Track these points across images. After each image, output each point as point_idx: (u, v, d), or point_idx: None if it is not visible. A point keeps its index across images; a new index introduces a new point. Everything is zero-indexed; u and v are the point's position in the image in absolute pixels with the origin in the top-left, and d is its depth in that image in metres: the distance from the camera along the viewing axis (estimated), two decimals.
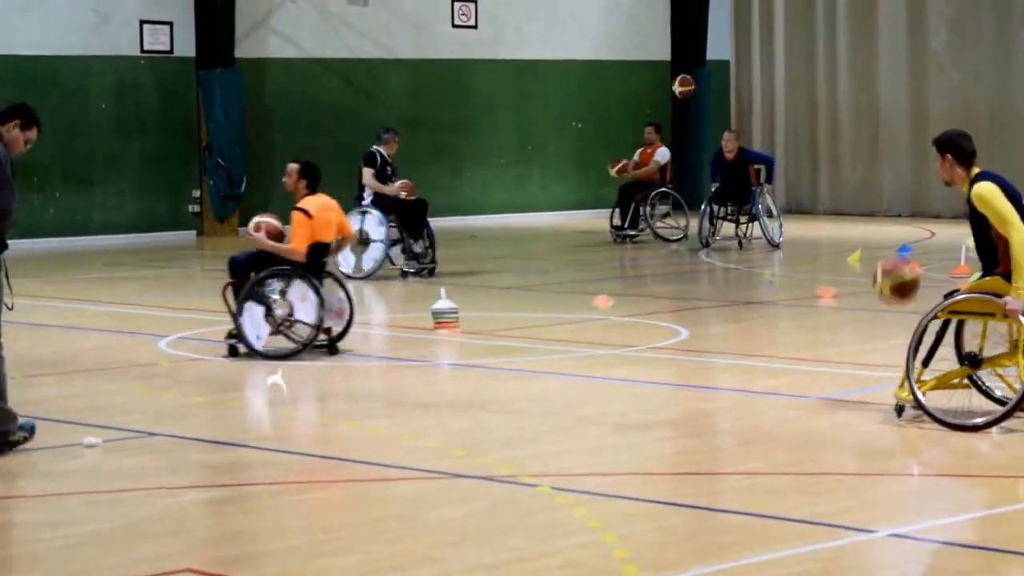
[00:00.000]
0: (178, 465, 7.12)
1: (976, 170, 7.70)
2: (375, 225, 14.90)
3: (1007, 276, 7.54)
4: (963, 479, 6.78)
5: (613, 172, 18.69)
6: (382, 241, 14.88)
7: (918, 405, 7.61)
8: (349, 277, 14.42)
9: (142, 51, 20.17)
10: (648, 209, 18.22)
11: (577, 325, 11.63)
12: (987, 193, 7.56)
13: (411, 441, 7.51)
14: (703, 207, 17.73)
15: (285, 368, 9.70)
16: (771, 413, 8.20)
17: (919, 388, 7.61)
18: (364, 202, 15.16)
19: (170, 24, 20.32)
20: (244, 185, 20.55)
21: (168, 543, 5.79)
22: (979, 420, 7.54)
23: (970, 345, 7.84)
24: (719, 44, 24.53)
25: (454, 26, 22.52)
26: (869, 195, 23.02)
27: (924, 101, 22.46)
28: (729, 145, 17.82)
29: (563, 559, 5.48)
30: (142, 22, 20.11)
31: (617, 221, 18.35)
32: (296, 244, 9.99)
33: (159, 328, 11.46)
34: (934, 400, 7.68)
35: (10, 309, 7.26)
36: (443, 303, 11.23)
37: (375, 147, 15.45)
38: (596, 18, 23.84)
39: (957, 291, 7.78)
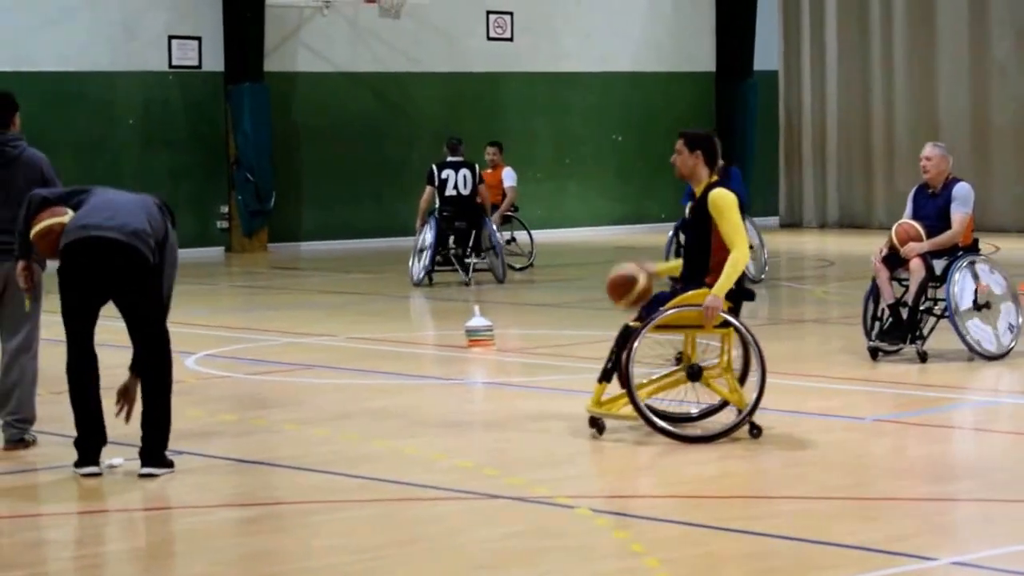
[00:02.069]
0: (206, 484, 7.13)
1: (715, 177, 7.87)
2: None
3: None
4: None
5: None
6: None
7: (640, 414, 7.67)
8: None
9: (170, 66, 20.32)
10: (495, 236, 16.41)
11: (603, 344, 11.57)
12: (727, 202, 7.77)
13: (444, 460, 7.49)
14: (669, 235, 15.34)
15: (314, 386, 9.70)
16: (823, 435, 8.12)
17: (639, 395, 7.70)
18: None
19: (198, 39, 20.46)
20: (273, 200, 20.64)
21: (195, 563, 5.79)
22: (699, 431, 7.75)
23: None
24: (767, 54, 24.46)
25: (489, 38, 22.57)
26: None
27: (985, 111, 22.31)
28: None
29: None
30: (170, 37, 20.26)
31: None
32: None
33: (187, 345, 11.48)
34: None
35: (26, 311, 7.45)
36: (477, 320, 11.22)
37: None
38: (637, 28, 23.84)
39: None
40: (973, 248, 10.42)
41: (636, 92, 23.78)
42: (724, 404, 7.96)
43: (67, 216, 7.21)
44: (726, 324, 7.70)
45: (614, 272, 7.99)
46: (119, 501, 6.77)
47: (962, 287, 10.13)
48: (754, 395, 7.74)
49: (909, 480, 7.03)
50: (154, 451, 7.13)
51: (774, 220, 24.59)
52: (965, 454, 7.52)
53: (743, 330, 7.75)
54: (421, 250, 15.75)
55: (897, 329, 10.18)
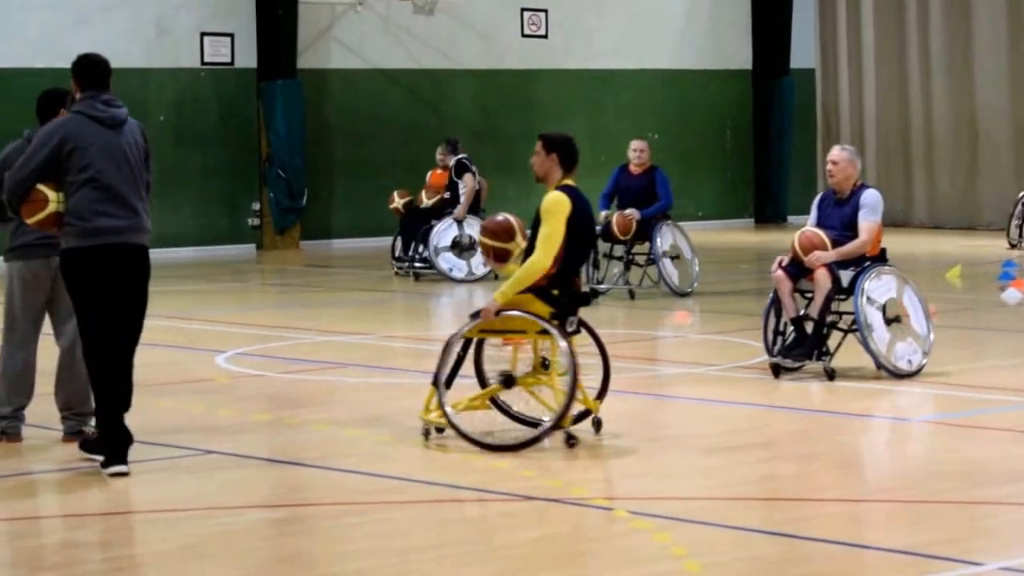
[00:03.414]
0: (236, 484, 7.05)
1: (568, 181, 7.75)
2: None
3: (538, 291, 7.59)
4: None
5: (399, 206, 16.41)
6: None
7: (450, 424, 7.57)
8: (461, 281, 15.57)
9: (203, 63, 20.31)
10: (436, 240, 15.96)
11: (654, 342, 11.46)
12: (554, 207, 7.64)
13: (479, 461, 7.38)
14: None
15: (347, 386, 9.62)
16: (867, 436, 8.00)
17: (452, 407, 7.61)
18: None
19: (231, 36, 20.45)
20: (305, 198, 20.61)
21: (225, 565, 5.71)
22: (511, 441, 7.53)
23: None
24: (804, 52, 24.29)
25: (523, 35, 22.48)
26: (968, 208, 22.62)
27: None
28: (640, 156, 14.09)
29: None
30: (203, 34, 20.25)
31: (399, 251, 16.38)
32: None
33: (218, 343, 11.44)
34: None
35: None
36: None
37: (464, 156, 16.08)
38: (673, 25, 23.70)
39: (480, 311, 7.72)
40: (881, 258, 9.62)
41: (672, 90, 23.65)
42: (586, 413, 7.75)
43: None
44: (545, 332, 7.52)
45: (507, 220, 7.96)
46: (148, 502, 6.71)
47: (873, 319, 9.32)
48: (564, 401, 7.45)
49: (954, 483, 6.89)
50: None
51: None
52: (1013, 457, 7.37)
53: (555, 334, 7.48)
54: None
55: (800, 345, 9.35)
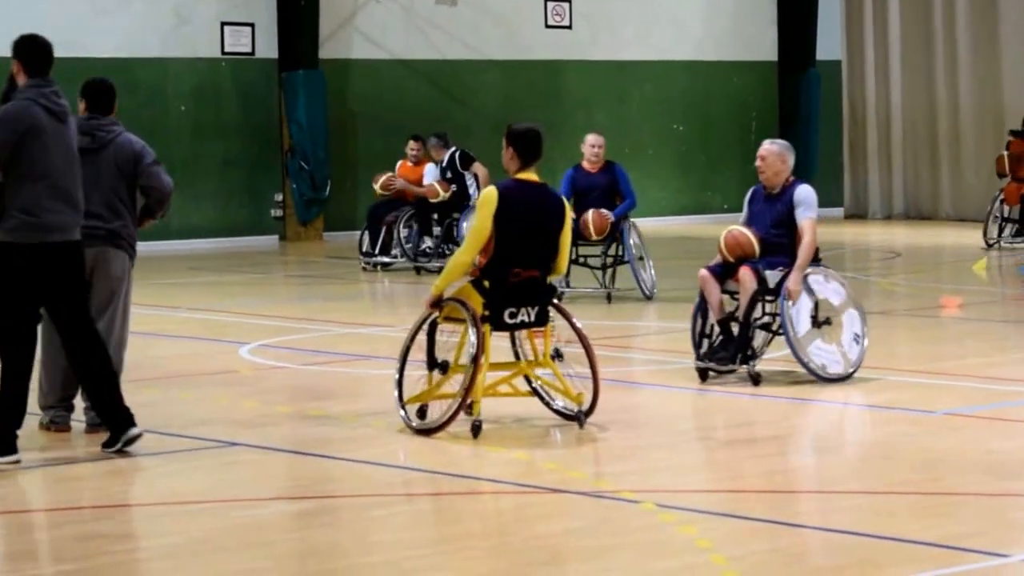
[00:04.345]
0: (260, 476, 7.12)
1: (524, 175, 7.80)
2: None
3: (473, 282, 7.73)
4: None
5: (377, 188, 16.39)
6: None
7: (408, 420, 7.74)
8: None
9: (223, 53, 20.39)
10: (403, 232, 16.00)
11: (676, 335, 11.47)
12: (482, 201, 7.76)
13: (501, 453, 7.44)
14: None
15: (371, 377, 9.68)
16: (891, 428, 8.01)
17: (410, 400, 7.79)
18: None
19: (252, 25, 20.52)
20: (328, 189, 20.68)
21: (248, 557, 5.76)
22: (430, 424, 7.69)
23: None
24: (830, 43, 24.25)
25: (547, 26, 22.50)
26: (997, 199, 22.50)
27: None
28: (599, 153, 13.30)
29: None
30: (223, 23, 20.33)
31: (367, 247, 16.27)
32: None
33: (241, 335, 11.52)
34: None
35: None
36: None
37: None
38: (698, 16, 23.68)
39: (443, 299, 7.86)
40: (815, 259, 9.16)
41: (697, 81, 23.64)
42: (580, 412, 7.84)
43: None
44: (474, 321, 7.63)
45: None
46: (172, 493, 6.77)
47: (798, 307, 8.94)
48: (462, 388, 7.62)
49: (979, 475, 6.90)
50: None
51: (839, 211, 24.38)
52: None
53: (471, 326, 7.59)
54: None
55: (725, 348, 9.06)
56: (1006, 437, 7.73)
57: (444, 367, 7.84)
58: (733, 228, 9.26)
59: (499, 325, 7.80)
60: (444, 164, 16.08)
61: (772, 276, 9.08)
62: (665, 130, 23.43)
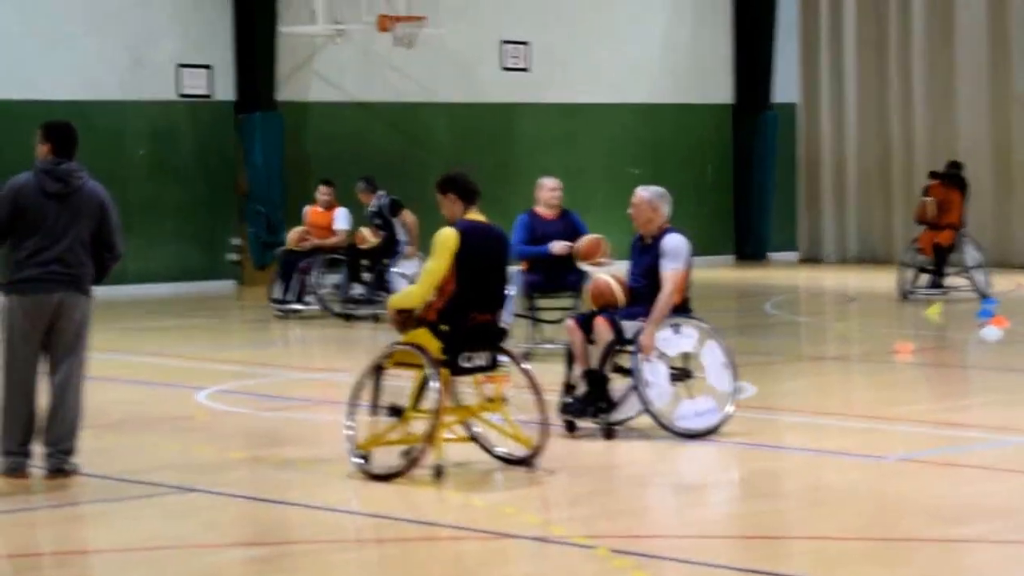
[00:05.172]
0: (217, 522, 7.17)
1: (472, 215, 7.98)
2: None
3: (429, 325, 7.84)
4: None
5: (290, 244, 16.32)
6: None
7: (360, 463, 7.82)
8: None
9: (180, 95, 20.44)
10: (317, 279, 15.81)
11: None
12: (442, 239, 7.89)
13: (458, 498, 7.52)
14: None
15: (327, 423, 9.74)
16: (844, 474, 8.13)
17: (358, 447, 7.86)
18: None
19: (209, 67, 20.59)
20: (285, 232, 20.70)
21: None
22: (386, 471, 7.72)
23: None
24: (786, 86, 24.55)
25: (504, 68, 22.70)
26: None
27: (1007, 145, 22.34)
28: (555, 194, 12.36)
29: None
30: (180, 65, 20.39)
31: (277, 294, 16.10)
32: None
33: (197, 380, 11.55)
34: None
35: None
36: None
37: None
38: (654, 59, 23.94)
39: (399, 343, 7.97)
40: (683, 308, 8.90)
41: (652, 124, 23.86)
42: (529, 456, 7.97)
43: None
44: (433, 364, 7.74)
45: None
46: (128, 540, 6.80)
47: (654, 375, 8.70)
48: (425, 431, 7.70)
49: (932, 521, 7.01)
50: None
51: (793, 255, 24.63)
52: (988, 495, 7.52)
53: (430, 370, 7.69)
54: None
55: (582, 400, 8.80)
56: (959, 483, 7.87)
57: (399, 412, 7.91)
58: (599, 277, 9.14)
59: (455, 369, 7.90)
60: (373, 210, 15.97)
61: (631, 327, 8.81)
62: (619, 173, 23.60)
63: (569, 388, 8.95)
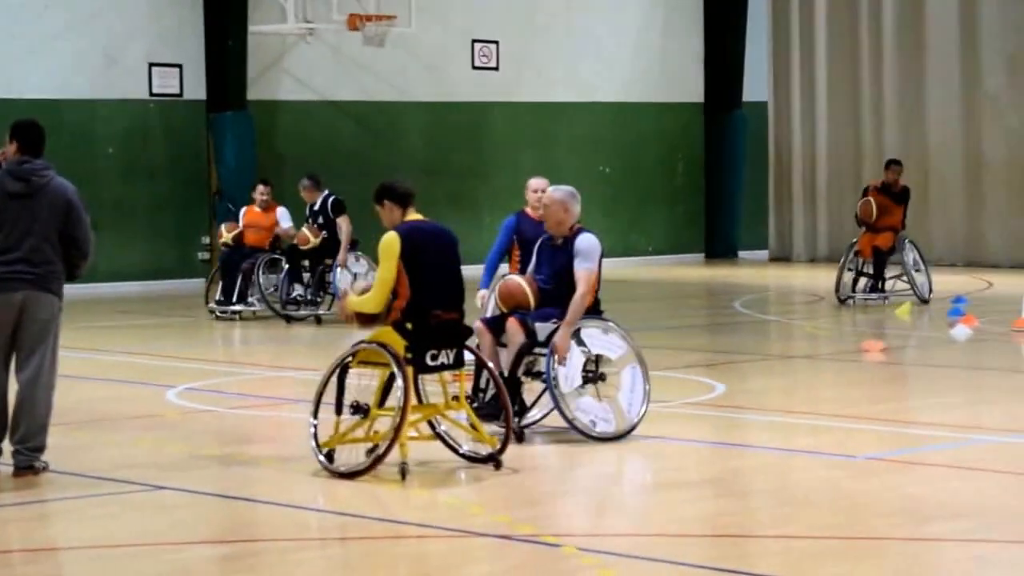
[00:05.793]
0: (186, 520, 7.16)
1: (411, 216, 8.07)
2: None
3: (394, 324, 7.87)
4: None
5: (229, 238, 16.15)
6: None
7: (324, 462, 7.85)
8: None
9: (151, 94, 20.38)
10: (261, 279, 15.68)
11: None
12: (385, 245, 7.97)
13: (426, 497, 7.53)
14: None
15: (296, 421, 9.73)
16: (812, 473, 8.17)
17: (322, 445, 7.88)
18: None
19: (180, 66, 20.53)
20: None
21: None
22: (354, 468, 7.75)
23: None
24: (756, 85, 24.63)
25: (474, 67, 22.70)
26: (920, 244, 22.92)
27: (978, 145, 22.46)
28: (537, 196, 10.65)
29: None
30: (151, 64, 20.32)
31: (219, 295, 15.97)
32: None
33: (168, 378, 11.53)
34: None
35: None
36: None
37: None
38: (625, 58, 23.99)
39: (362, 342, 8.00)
40: (594, 309, 8.73)
41: (624, 122, 23.91)
42: (494, 454, 7.97)
43: None
44: (397, 363, 7.76)
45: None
46: (97, 538, 6.79)
47: (568, 364, 8.53)
48: (390, 431, 7.72)
49: (900, 519, 7.04)
50: None
51: (763, 254, 24.71)
52: (956, 493, 7.56)
53: (396, 369, 7.71)
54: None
55: (491, 403, 8.49)
56: (926, 481, 7.91)
57: (364, 411, 7.90)
58: (508, 278, 8.96)
59: (421, 367, 7.90)
60: (316, 208, 15.71)
61: (543, 328, 8.64)
62: (591, 171, 23.66)
63: (477, 391, 8.68)
